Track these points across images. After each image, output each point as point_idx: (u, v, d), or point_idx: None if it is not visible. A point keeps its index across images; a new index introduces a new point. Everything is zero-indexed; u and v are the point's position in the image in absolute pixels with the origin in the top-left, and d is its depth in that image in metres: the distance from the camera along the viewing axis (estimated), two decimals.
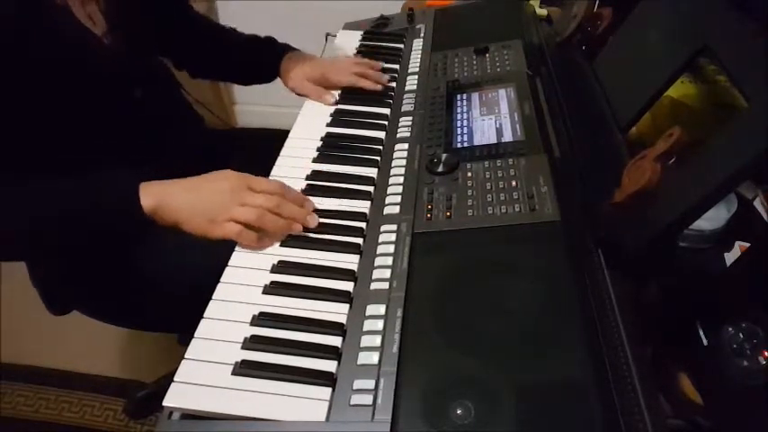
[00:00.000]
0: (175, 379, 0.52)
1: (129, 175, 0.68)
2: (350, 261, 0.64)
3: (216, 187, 0.67)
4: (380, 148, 0.82)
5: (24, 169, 0.72)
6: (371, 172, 0.77)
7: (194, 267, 0.71)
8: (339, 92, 0.96)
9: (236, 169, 0.70)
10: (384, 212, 0.70)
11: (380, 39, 1.10)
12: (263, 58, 1.01)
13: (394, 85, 0.97)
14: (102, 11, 0.78)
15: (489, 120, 0.81)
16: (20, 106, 0.70)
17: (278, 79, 1.02)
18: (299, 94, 0.98)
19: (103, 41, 0.78)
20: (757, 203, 0.78)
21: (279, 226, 0.66)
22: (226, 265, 0.64)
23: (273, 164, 0.80)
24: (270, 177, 0.77)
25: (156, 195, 0.66)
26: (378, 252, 0.64)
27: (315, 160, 0.80)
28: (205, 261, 0.64)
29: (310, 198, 0.72)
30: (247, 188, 0.67)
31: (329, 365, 0.53)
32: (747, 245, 0.73)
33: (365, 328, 0.56)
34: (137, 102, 0.85)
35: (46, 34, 0.69)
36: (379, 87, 0.94)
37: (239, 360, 0.54)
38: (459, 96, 0.88)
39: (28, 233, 0.68)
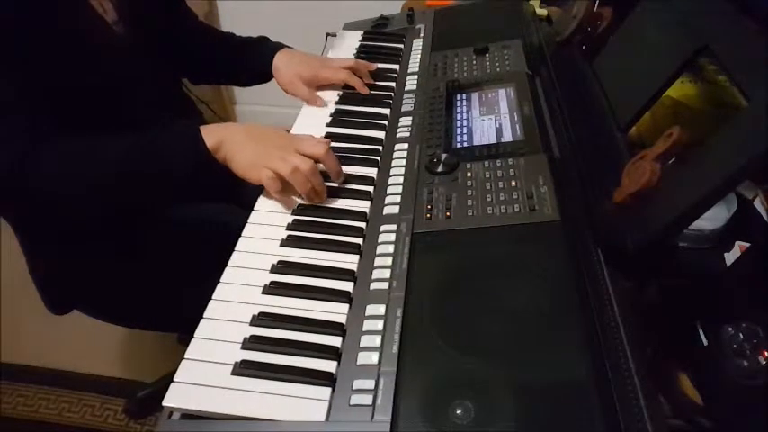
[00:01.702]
0: (175, 379, 0.52)
1: (188, 122, 0.73)
2: (350, 261, 0.64)
3: (268, 139, 0.73)
4: (380, 148, 0.82)
5: None
6: (371, 172, 0.77)
7: (194, 266, 0.71)
8: (339, 92, 0.96)
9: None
10: (384, 212, 0.70)
11: (380, 39, 1.10)
12: (256, 59, 1.01)
13: (393, 85, 0.97)
14: (113, 0, 0.79)
15: (489, 120, 0.81)
16: (26, 87, 0.70)
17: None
18: (288, 93, 0.98)
19: (115, 30, 0.79)
20: (757, 203, 0.78)
21: (304, 188, 0.70)
22: (226, 264, 0.64)
23: None
24: None
25: (218, 134, 0.72)
26: (377, 252, 0.64)
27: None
28: (205, 260, 0.64)
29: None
30: (294, 150, 0.71)
31: (329, 365, 0.53)
32: (747, 245, 0.73)
33: (365, 328, 0.56)
34: (141, 96, 0.85)
35: (57, 17, 0.70)
36: (365, 90, 0.94)
37: (239, 360, 0.54)
38: (458, 96, 0.88)
39: (101, 185, 0.71)
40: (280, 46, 1.01)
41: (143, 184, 0.73)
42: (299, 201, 0.72)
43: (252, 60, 1.01)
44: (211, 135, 0.71)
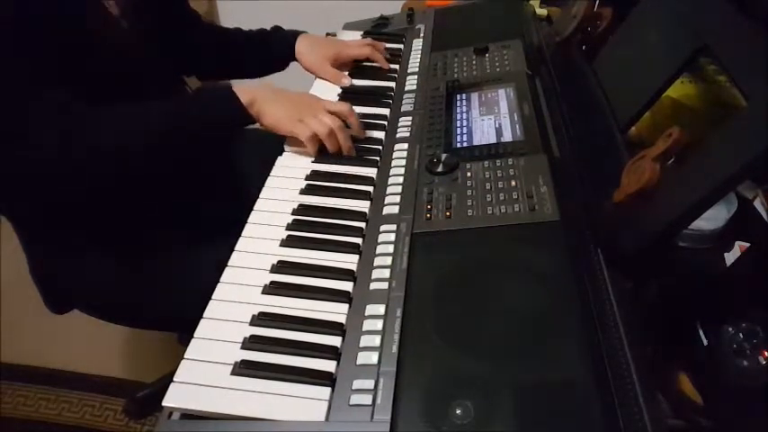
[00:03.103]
0: (175, 379, 0.52)
1: (220, 84, 0.78)
2: (349, 261, 0.64)
3: (300, 97, 0.83)
4: (380, 148, 0.82)
5: None
6: (371, 172, 0.77)
7: (194, 266, 0.71)
8: (340, 91, 0.96)
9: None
10: (383, 212, 0.70)
11: (380, 39, 1.10)
12: (275, 46, 1.04)
13: (393, 85, 0.97)
14: None
15: (489, 120, 0.81)
16: (34, 73, 0.70)
17: (278, 80, 1.02)
18: (316, 75, 1.02)
19: (121, 23, 0.79)
20: (757, 203, 0.78)
21: (334, 146, 0.79)
22: (227, 264, 0.64)
23: (274, 163, 0.80)
24: (270, 177, 0.78)
25: (250, 92, 0.78)
26: (377, 252, 0.64)
27: (315, 160, 0.80)
28: (206, 259, 0.64)
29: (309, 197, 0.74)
30: (324, 109, 0.80)
31: (329, 365, 0.53)
32: (747, 245, 0.73)
33: (365, 328, 0.56)
34: (144, 91, 0.85)
35: (66, 10, 0.70)
36: (387, 65, 1.02)
37: (239, 360, 0.54)
38: (458, 96, 0.88)
39: (151, 140, 0.74)
40: (297, 32, 1.04)
41: (189, 136, 0.77)
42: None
43: (270, 49, 1.05)
44: (244, 93, 0.77)
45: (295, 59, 1.04)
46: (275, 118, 0.78)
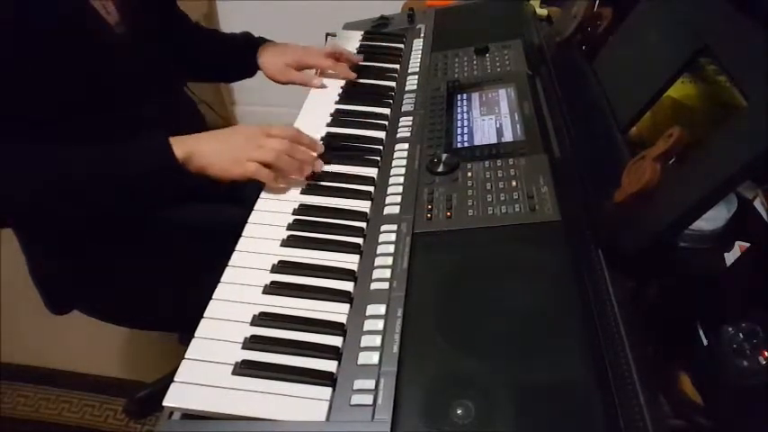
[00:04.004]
0: (175, 379, 0.52)
1: (157, 132, 0.72)
2: (350, 261, 0.64)
3: (237, 134, 0.75)
4: (380, 148, 0.82)
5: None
6: (371, 172, 0.77)
7: (194, 266, 0.71)
8: (340, 91, 0.96)
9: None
10: (384, 212, 0.70)
11: (380, 39, 1.10)
12: (242, 54, 1.03)
13: (394, 84, 0.97)
14: (115, 2, 0.79)
15: (489, 120, 0.81)
16: (28, 88, 0.70)
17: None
18: (281, 83, 1.01)
19: (116, 31, 0.79)
20: (757, 203, 0.78)
21: (293, 167, 0.73)
22: (226, 264, 0.64)
23: None
24: None
25: (187, 145, 0.71)
26: (378, 252, 0.64)
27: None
28: (206, 259, 0.64)
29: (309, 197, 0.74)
30: (264, 135, 0.73)
31: (329, 365, 0.53)
32: (747, 245, 0.73)
33: (365, 328, 0.56)
34: (143, 95, 0.85)
35: (62, 20, 0.70)
36: (352, 75, 0.97)
37: (239, 360, 0.54)
38: (459, 96, 0.88)
39: (64, 190, 0.69)
40: (261, 41, 1.04)
41: (104, 190, 0.70)
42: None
43: (238, 56, 1.04)
44: (180, 146, 0.70)
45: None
46: (221, 168, 0.71)
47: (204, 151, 0.71)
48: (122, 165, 0.70)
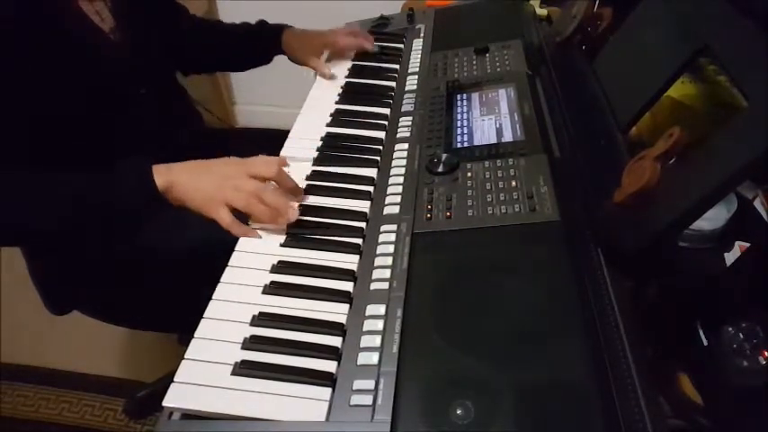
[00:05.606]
0: (175, 379, 0.52)
1: (140, 159, 0.70)
2: (350, 261, 0.64)
3: (217, 170, 0.70)
4: (380, 148, 0.82)
5: (24, 163, 0.73)
6: (371, 172, 0.77)
7: (194, 267, 0.71)
8: (340, 91, 0.96)
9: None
10: (384, 212, 0.70)
11: (380, 39, 1.10)
12: (261, 39, 1.06)
13: (394, 84, 0.97)
14: (110, 8, 0.79)
15: (489, 120, 0.81)
16: (25, 99, 0.70)
17: (278, 80, 1.02)
18: (299, 63, 1.04)
19: (110, 38, 0.79)
20: (757, 203, 0.78)
21: (265, 215, 0.67)
22: (227, 263, 0.64)
23: None
24: None
25: (168, 175, 0.69)
26: (378, 252, 0.64)
27: (315, 160, 0.80)
28: (205, 260, 0.64)
29: (307, 196, 0.73)
30: (245, 174, 0.68)
31: (329, 366, 0.53)
32: (747, 245, 0.73)
33: (365, 329, 0.56)
34: (141, 99, 0.85)
35: (55, 29, 0.70)
36: (373, 47, 1.04)
37: (239, 360, 0.54)
38: (459, 96, 0.88)
39: (43, 218, 0.69)
40: (284, 25, 1.06)
41: (85, 217, 0.70)
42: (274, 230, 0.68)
43: (256, 41, 1.06)
44: (161, 176, 0.68)
45: (281, 53, 1.06)
46: (196, 204, 0.68)
47: (183, 183, 0.69)
48: (103, 192, 0.69)
